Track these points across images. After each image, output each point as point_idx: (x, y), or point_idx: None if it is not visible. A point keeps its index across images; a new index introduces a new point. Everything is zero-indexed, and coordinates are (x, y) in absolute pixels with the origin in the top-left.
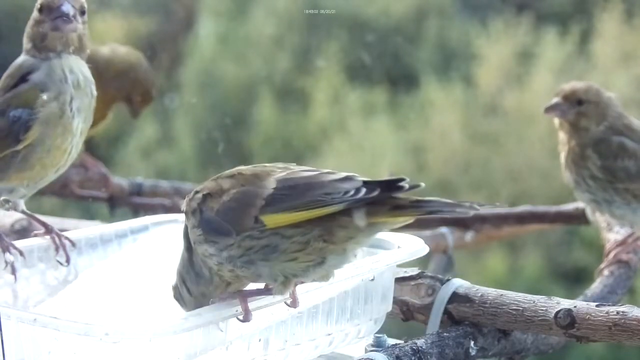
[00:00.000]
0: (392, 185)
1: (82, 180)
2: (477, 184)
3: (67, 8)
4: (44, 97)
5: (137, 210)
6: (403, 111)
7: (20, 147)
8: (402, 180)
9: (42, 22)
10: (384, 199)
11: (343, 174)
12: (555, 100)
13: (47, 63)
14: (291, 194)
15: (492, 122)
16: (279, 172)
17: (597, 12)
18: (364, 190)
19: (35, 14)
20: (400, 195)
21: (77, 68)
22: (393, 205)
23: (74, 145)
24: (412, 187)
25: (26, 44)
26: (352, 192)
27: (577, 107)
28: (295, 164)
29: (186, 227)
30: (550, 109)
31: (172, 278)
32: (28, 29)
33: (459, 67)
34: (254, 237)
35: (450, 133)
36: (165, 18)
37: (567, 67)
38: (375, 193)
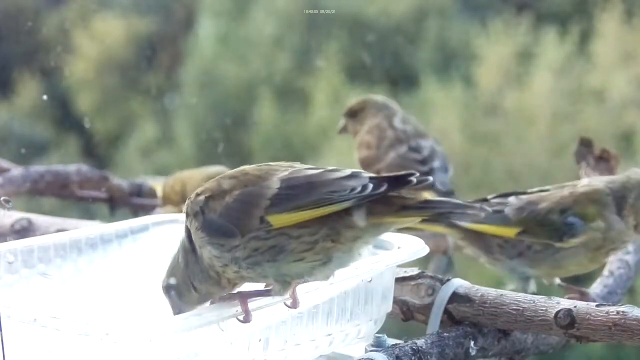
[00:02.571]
0: (399, 181)
1: (82, 181)
2: (477, 184)
3: None
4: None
5: (137, 211)
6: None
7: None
8: (410, 175)
9: None
10: (392, 197)
11: (348, 171)
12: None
13: None
14: (296, 193)
15: (492, 122)
16: (282, 171)
17: (597, 12)
18: (370, 186)
19: None
20: (409, 195)
21: None
22: (401, 205)
23: None
24: (420, 182)
25: None
26: (358, 189)
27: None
28: (299, 163)
29: (188, 229)
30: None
31: (162, 278)
32: None
33: (459, 67)
34: (260, 238)
35: (450, 133)
36: (165, 18)
37: (567, 67)
38: (382, 189)
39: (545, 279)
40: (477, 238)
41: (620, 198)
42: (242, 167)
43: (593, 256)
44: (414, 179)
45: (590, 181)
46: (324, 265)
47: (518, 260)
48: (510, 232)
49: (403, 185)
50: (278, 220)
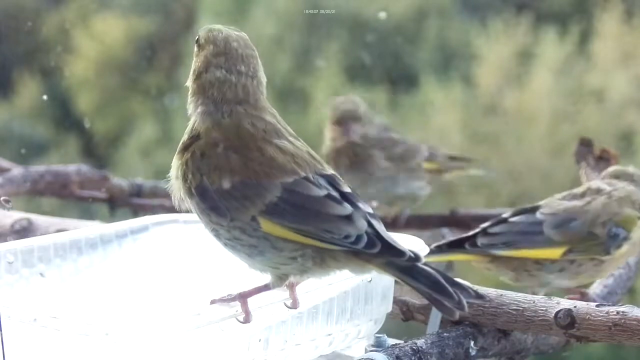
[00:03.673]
0: (393, 249)
1: (82, 181)
2: (477, 184)
3: None
4: None
5: (137, 211)
6: (403, 111)
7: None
8: (403, 253)
9: None
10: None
11: (349, 209)
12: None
13: None
14: (292, 213)
15: (492, 122)
16: (289, 173)
17: (597, 12)
18: (365, 241)
19: None
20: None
21: None
22: (388, 259)
23: None
24: (411, 260)
25: None
26: (352, 240)
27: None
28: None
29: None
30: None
31: None
32: None
33: (459, 67)
34: (245, 231)
35: (450, 133)
36: (165, 18)
37: (567, 67)
38: (374, 250)
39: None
40: (510, 259)
41: None
42: (261, 132)
43: (626, 259)
44: (406, 256)
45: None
46: (297, 274)
47: (558, 274)
48: (555, 253)
49: (395, 255)
50: (268, 226)
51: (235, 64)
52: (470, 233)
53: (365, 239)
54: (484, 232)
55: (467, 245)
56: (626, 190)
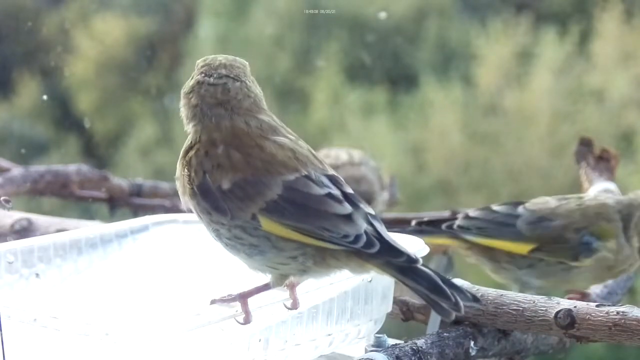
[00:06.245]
0: (392, 250)
1: (82, 181)
2: (477, 184)
3: None
4: None
5: (137, 211)
6: (403, 111)
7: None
8: (403, 254)
9: None
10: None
11: (349, 209)
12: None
13: None
14: (292, 211)
15: (492, 122)
16: (291, 171)
17: (596, 12)
18: (363, 240)
19: None
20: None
21: None
22: (387, 260)
23: None
24: (409, 261)
25: None
26: (350, 239)
27: None
28: (318, 156)
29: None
30: None
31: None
32: None
33: (459, 67)
34: (246, 230)
35: (450, 133)
36: (165, 18)
37: (566, 67)
38: (373, 250)
39: (548, 290)
40: (485, 248)
41: (626, 216)
42: (260, 130)
43: (602, 275)
44: (405, 256)
45: (597, 195)
46: (297, 274)
47: (527, 271)
48: (523, 248)
49: (394, 256)
50: (268, 224)
51: (216, 69)
52: (455, 216)
53: (364, 238)
54: (466, 215)
55: (443, 227)
56: (601, 202)
